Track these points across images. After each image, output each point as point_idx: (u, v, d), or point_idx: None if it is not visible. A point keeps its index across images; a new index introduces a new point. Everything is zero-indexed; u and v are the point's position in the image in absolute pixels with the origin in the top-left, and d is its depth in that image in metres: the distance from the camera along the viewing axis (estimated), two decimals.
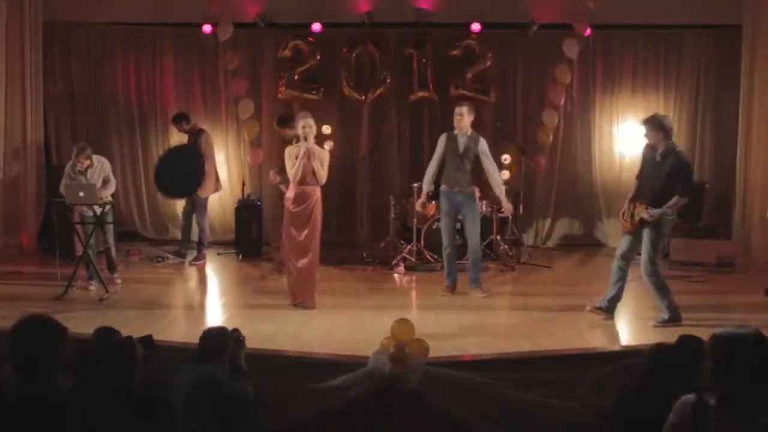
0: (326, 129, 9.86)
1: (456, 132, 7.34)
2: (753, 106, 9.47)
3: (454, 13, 9.86)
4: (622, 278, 6.56)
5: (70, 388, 2.99)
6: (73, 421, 2.81)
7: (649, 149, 6.42)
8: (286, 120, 8.65)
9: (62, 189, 7.67)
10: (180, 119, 9.30)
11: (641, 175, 6.48)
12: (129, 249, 9.59)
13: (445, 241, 7.49)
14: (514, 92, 10.44)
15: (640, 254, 6.44)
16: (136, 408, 3.29)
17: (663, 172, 6.24)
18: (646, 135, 6.32)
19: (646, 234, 6.33)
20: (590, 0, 9.46)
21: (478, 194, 7.65)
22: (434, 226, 8.75)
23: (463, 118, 7.25)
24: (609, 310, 6.56)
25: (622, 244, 6.62)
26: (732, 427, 2.72)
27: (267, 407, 4.90)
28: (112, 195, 7.97)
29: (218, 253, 9.61)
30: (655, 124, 6.26)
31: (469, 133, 7.33)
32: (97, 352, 3.06)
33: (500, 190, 7.46)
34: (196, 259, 9.11)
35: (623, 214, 6.52)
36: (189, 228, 9.27)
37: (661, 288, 6.38)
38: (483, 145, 7.35)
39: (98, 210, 7.48)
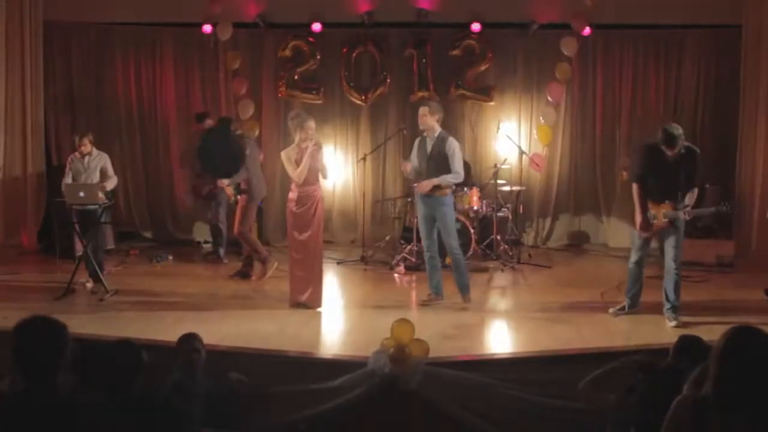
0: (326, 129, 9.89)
1: (425, 134, 7.08)
2: (753, 105, 9.47)
3: (454, 13, 9.86)
4: (640, 279, 6.70)
5: (72, 388, 2.98)
6: (75, 421, 2.80)
7: (655, 149, 6.37)
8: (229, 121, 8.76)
9: (63, 188, 7.67)
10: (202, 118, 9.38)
11: (652, 176, 6.41)
12: (129, 249, 9.60)
13: (424, 246, 7.23)
14: (514, 92, 10.44)
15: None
16: (136, 408, 3.30)
17: (682, 169, 6.28)
18: (676, 150, 6.19)
19: (674, 232, 6.39)
20: None
21: (450, 198, 7.07)
22: None
23: (424, 117, 6.97)
24: (632, 305, 6.71)
25: (639, 249, 6.63)
26: (730, 428, 2.72)
27: (267, 407, 4.91)
28: (111, 194, 7.94)
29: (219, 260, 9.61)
30: (679, 139, 6.17)
31: (437, 134, 7.01)
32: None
33: (440, 180, 6.92)
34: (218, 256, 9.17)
35: (647, 218, 6.45)
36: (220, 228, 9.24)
37: (680, 284, 6.46)
38: (450, 145, 6.97)
39: (93, 208, 7.48)
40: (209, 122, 9.34)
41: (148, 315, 6.67)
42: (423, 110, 7.02)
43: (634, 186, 6.55)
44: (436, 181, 6.91)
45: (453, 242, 7.04)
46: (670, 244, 6.44)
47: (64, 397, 2.86)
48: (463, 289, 7.10)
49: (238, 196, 8.30)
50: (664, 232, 6.47)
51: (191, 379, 4.49)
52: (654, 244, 6.81)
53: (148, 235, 10.62)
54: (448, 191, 7.00)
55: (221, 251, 9.18)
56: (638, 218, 6.48)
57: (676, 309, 6.42)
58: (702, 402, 2.79)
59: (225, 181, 8.36)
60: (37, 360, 2.83)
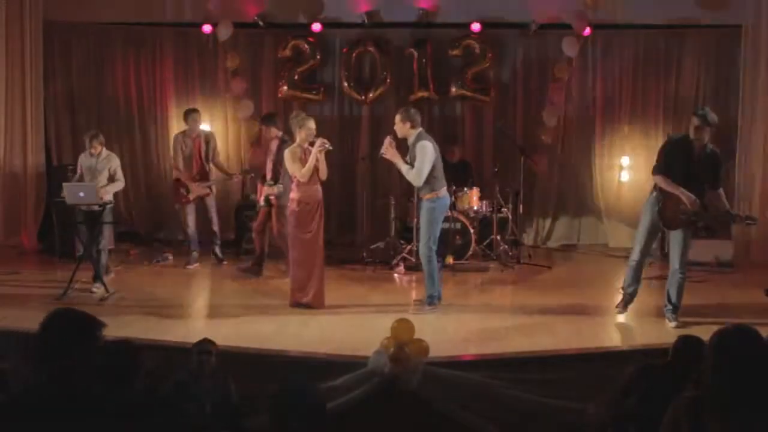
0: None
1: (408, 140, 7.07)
2: (753, 106, 9.47)
3: (454, 13, 9.86)
4: (640, 277, 6.70)
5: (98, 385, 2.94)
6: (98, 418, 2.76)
7: (682, 142, 6.34)
8: (271, 118, 8.62)
9: (64, 187, 7.68)
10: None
11: (677, 169, 6.28)
12: (129, 249, 9.59)
13: None
14: (514, 92, 10.44)
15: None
16: (137, 408, 3.28)
17: (708, 169, 6.25)
18: (705, 129, 6.18)
19: (683, 234, 6.34)
20: None
21: (437, 202, 6.94)
22: None
23: (396, 126, 6.97)
24: (629, 302, 6.73)
25: (642, 248, 6.60)
26: (729, 427, 2.72)
27: (267, 407, 4.90)
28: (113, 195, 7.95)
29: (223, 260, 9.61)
30: (712, 119, 6.19)
31: (413, 139, 6.94)
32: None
33: (400, 163, 6.94)
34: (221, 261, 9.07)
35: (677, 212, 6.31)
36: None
37: (683, 287, 6.45)
38: (420, 144, 6.84)
39: (97, 209, 7.46)
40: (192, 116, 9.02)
41: (148, 315, 6.66)
42: (396, 118, 7.01)
43: (659, 178, 6.34)
44: (398, 160, 6.93)
45: (423, 247, 6.92)
46: (677, 245, 6.37)
47: (92, 394, 2.81)
48: (427, 297, 6.94)
49: (271, 197, 8.22)
50: (673, 232, 6.42)
51: (196, 381, 4.48)
52: (653, 244, 6.79)
53: (148, 235, 10.61)
54: (431, 195, 6.91)
55: (218, 250, 9.15)
56: (685, 198, 6.15)
57: (676, 310, 6.42)
58: (700, 402, 2.79)
59: (275, 189, 8.07)
60: (67, 355, 2.76)
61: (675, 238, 6.41)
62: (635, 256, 6.65)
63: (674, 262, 6.42)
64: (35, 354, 2.78)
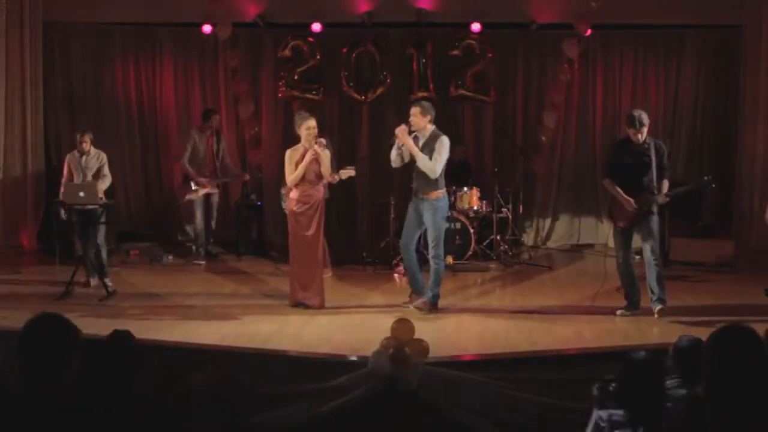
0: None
1: (416, 133, 6.84)
2: (753, 105, 9.47)
3: (454, 13, 9.85)
4: (634, 278, 6.75)
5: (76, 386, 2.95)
6: (79, 421, 2.77)
7: (621, 143, 6.63)
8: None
9: (63, 187, 7.69)
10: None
11: (622, 168, 6.53)
12: (129, 249, 9.59)
13: (402, 248, 7.12)
14: (514, 92, 10.44)
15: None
16: (138, 407, 3.28)
17: (651, 160, 6.45)
18: (641, 131, 6.39)
19: (654, 222, 6.50)
20: (593, 0, 9.43)
21: (441, 201, 6.87)
22: None
23: (415, 118, 6.77)
24: (634, 306, 6.74)
25: (622, 247, 6.68)
26: (728, 427, 2.72)
27: (267, 407, 4.91)
28: (111, 194, 7.94)
29: (219, 253, 9.61)
30: (640, 121, 6.41)
31: (428, 134, 6.80)
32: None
33: (417, 152, 6.73)
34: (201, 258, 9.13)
35: (633, 209, 6.48)
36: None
37: (662, 276, 6.55)
38: (440, 140, 6.72)
39: (97, 209, 7.48)
40: (217, 118, 9.29)
41: (148, 315, 6.67)
42: (415, 110, 6.82)
43: (606, 181, 6.70)
44: (413, 145, 6.72)
45: (435, 248, 6.82)
46: (645, 236, 6.54)
47: (72, 397, 2.82)
48: (430, 295, 6.89)
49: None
50: (640, 227, 6.55)
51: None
52: (637, 242, 6.87)
53: (148, 235, 10.60)
54: (437, 194, 6.81)
55: (201, 251, 9.16)
56: (626, 202, 6.47)
57: (662, 300, 6.52)
58: (700, 402, 2.79)
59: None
60: (45, 358, 2.79)
61: (643, 231, 6.54)
62: (619, 259, 6.73)
63: (646, 253, 6.55)
64: (18, 357, 2.81)
